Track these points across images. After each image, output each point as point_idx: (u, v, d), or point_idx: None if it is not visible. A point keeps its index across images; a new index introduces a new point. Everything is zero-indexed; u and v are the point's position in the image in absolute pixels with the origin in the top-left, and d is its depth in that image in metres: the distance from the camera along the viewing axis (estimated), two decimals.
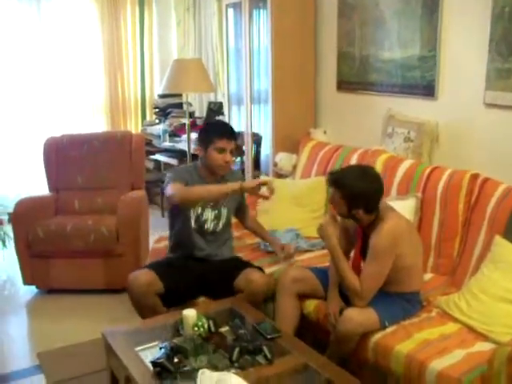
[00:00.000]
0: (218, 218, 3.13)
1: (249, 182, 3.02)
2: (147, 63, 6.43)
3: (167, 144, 5.64)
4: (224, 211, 3.14)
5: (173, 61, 4.74)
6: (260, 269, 3.07)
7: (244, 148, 4.90)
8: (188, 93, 4.91)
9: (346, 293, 2.66)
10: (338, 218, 2.72)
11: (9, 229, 4.24)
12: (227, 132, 3.04)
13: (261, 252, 3.47)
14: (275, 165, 4.35)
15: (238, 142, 3.11)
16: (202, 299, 3.04)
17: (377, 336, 2.50)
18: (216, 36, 5.67)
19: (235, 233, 3.69)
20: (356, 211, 2.58)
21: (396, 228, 2.55)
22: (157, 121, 6.23)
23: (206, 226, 3.10)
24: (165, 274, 2.94)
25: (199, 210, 3.08)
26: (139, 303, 2.90)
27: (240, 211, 3.36)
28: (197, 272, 3.03)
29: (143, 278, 2.87)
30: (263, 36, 4.44)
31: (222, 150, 2.99)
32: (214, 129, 3.10)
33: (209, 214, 3.10)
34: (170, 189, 2.95)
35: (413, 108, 3.66)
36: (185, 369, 2.20)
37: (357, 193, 2.54)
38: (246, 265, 3.11)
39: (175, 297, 2.96)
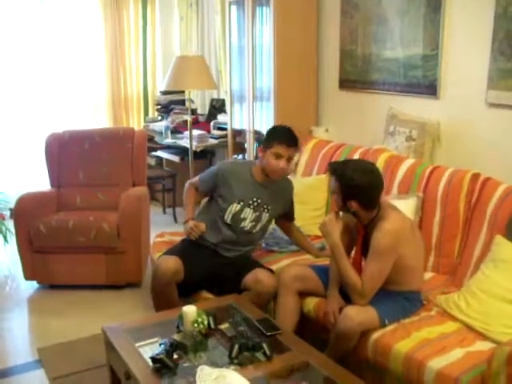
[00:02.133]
0: (257, 220, 3.14)
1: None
2: (150, 59, 6.43)
3: (169, 141, 5.64)
4: (265, 216, 3.15)
5: (175, 57, 4.75)
6: (270, 270, 3.09)
7: (246, 145, 4.91)
8: (190, 90, 4.91)
9: (346, 291, 2.67)
10: (341, 214, 2.72)
11: (10, 224, 4.25)
12: (288, 139, 3.01)
13: (262, 251, 3.48)
14: None
15: (297, 149, 3.16)
16: (204, 294, 3.08)
17: (376, 334, 2.50)
18: (219, 33, 5.66)
19: None
20: (350, 203, 2.58)
21: (399, 228, 2.55)
22: (159, 117, 6.23)
23: (242, 224, 3.12)
24: (188, 266, 2.99)
25: (237, 208, 3.10)
26: (160, 290, 2.97)
27: (283, 219, 3.35)
28: (210, 265, 3.07)
29: (172, 266, 2.94)
30: (266, 34, 4.44)
31: (278, 156, 3.00)
32: (277, 133, 3.08)
33: (249, 214, 3.12)
34: (191, 181, 3.36)
35: (415, 107, 3.67)
36: (184, 365, 2.22)
37: (353, 184, 2.54)
38: (257, 264, 3.13)
39: (189, 288, 3.02)
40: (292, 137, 3.04)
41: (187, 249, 3.16)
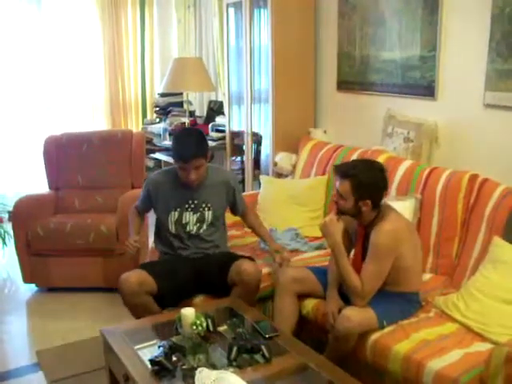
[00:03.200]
0: (201, 220, 3.10)
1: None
2: (148, 62, 6.43)
3: (167, 143, 5.63)
4: (208, 214, 3.10)
5: (173, 59, 4.75)
6: (251, 259, 3.06)
7: (244, 147, 4.91)
8: (188, 92, 4.91)
9: (344, 292, 2.67)
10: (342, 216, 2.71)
11: (9, 227, 4.25)
12: (183, 156, 2.92)
13: (260, 251, 3.47)
14: (275, 164, 4.36)
15: (206, 155, 3.00)
16: (199, 298, 3.03)
17: (375, 336, 2.50)
18: (217, 35, 5.67)
19: (236, 232, 3.69)
20: (363, 203, 2.55)
21: (397, 229, 2.55)
22: (157, 119, 6.23)
23: (188, 228, 3.09)
24: (158, 274, 2.94)
25: (176, 215, 3.08)
26: (130, 303, 2.89)
27: (234, 210, 3.33)
28: (191, 270, 3.03)
29: (134, 278, 2.86)
30: (264, 35, 4.44)
31: (183, 169, 2.96)
32: (174, 149, 3.01)
33: (190, 217, 3.08)
34: (135, 204, 3.29)
35: (413, 108, 3.67)
36: (183, 367, 2.21)
37: (367, 182, 2.53)
38: (237, 257, 3.07)
39: (170, 297, 2.95)
40: (188, 152, 2.92)
41: (160, 260, 3.16)
